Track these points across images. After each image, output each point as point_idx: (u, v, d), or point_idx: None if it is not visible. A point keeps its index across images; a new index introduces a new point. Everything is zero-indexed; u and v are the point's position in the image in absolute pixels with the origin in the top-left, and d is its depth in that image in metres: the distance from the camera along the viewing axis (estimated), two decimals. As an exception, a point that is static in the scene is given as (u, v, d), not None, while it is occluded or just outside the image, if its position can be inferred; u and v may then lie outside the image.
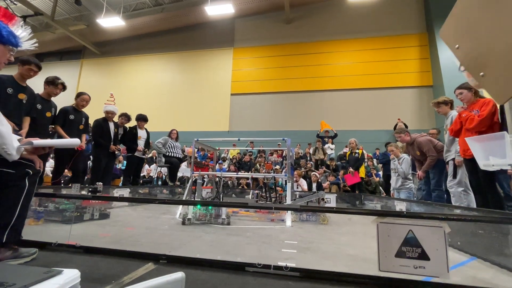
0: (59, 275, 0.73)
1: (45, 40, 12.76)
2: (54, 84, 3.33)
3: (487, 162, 1.37)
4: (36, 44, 1.29)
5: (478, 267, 1.68)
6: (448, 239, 1.30)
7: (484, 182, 2.59)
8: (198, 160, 8.73)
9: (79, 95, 3.83)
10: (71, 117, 3.65)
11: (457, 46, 0.67)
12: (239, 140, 4.28)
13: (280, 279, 1.27)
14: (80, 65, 14.28)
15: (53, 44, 13.42)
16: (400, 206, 3.34)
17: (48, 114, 3.31)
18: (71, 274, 0.75)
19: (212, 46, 12.78)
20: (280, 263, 1.38)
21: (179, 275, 0.76)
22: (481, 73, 0.58)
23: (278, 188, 4.66)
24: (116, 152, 4.53)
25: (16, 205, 1.31)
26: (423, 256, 1.27)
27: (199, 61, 12.87)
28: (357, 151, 6.69)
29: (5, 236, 1.29)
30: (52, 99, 3.46)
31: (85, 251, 1.58)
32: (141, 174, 6.42)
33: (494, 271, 1.59)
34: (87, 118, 3.96)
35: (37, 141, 1.28)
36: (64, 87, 3.50)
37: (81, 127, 3.80)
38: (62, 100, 3.93)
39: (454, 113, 3.24)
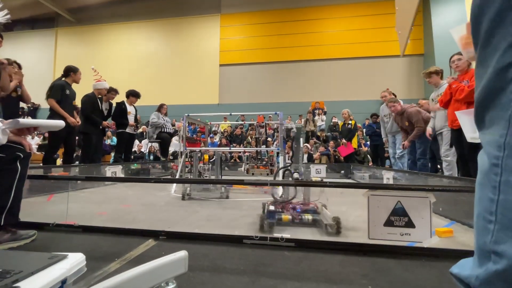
0: (64, 259, 0.74)
1: (12, 6, 11.59)
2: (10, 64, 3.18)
3: (474, 135, 1.42)
4: (9, 16, 1.18)
5: (457, 230, 1.83)
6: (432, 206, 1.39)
7: (468, 152, 2.72)
8: (189, 135, 8.66)
9: (75, 70, 3.74)
10: (67, 92, 3.60)
11: None
12: (230, 114, 4.25)
13: (277, 249, 1.35)
14: (55, 34, 13.23)
15: (21, 11, 12.25)
16: (388, 176, 3.49)
17: (14, 94, 3.16)
18: (77, 258, 0.76)
19: (197, 12, 11.98)
20: (276, 235, 1.45)
21: (182, 253, 0.79)
22: None
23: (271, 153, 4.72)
24: (106, 129, 4.43)
25: (10, 188, 1.31)
26: (409, 224, 1.36)
27: (184, 29, 12.13)
28: (349, 122, 6.76)
29: (2, 219, 1.29)
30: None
31: (84, 230, 1.61)
32: (133, 150, 6.35)
33: (471, 234, 1.73)
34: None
35: (23, 120, 1.24)
36: (19, 66, 3.32)
37: (74, 102, 3.79)
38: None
39: (446, 84, 3.26)
